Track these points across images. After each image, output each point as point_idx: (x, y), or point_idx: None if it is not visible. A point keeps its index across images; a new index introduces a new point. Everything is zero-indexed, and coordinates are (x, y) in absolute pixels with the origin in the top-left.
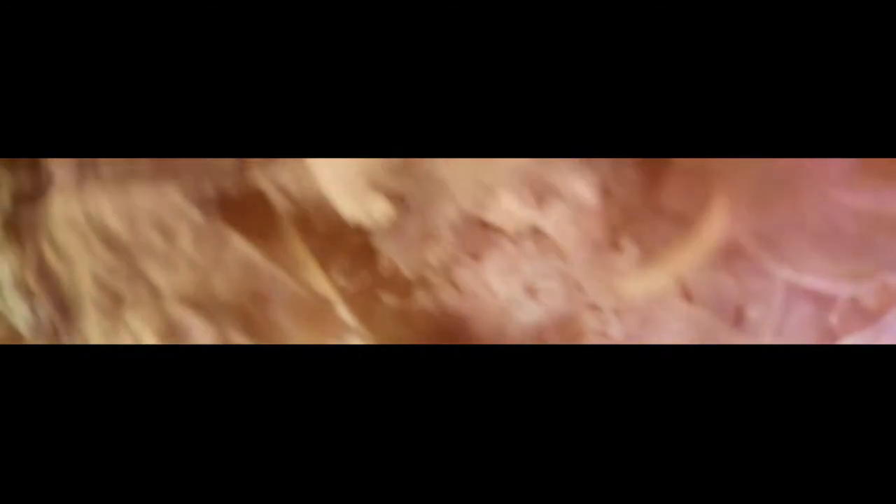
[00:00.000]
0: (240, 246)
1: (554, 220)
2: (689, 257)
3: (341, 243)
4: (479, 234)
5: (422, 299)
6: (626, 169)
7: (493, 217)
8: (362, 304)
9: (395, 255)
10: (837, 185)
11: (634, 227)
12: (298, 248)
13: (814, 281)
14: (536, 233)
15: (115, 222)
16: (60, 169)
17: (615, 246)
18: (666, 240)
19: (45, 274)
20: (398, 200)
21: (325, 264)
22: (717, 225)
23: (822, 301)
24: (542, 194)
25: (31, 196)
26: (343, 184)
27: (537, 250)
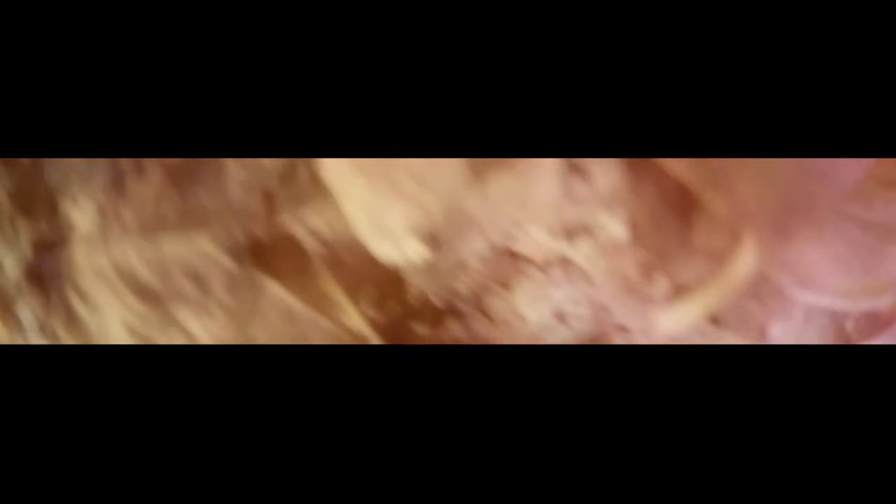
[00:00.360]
0: (276, 291)
1: (584, 254)
2: (719, 293)
3: (369, 275)
4: (508, 263)
5: (453, 328)
6: (657, 207)
7: (521, 247)
8: (395, 336)
9: (425, 287)
10: (850, 199)
11: (665, 263)
12: (332, 289)
13: (832, 301)
14: (565, 261)
15: (145, 272)
16: (82, 218)
17: (646, 281)
18: (697, 276)
19: (73, 322)
20: (431, 240)
21: (353, 296)
22: (746, 262)
23: (840, 313)
24: (572, 230)
25: (52, 244)
26: (376, 225)
27: (565, 277)
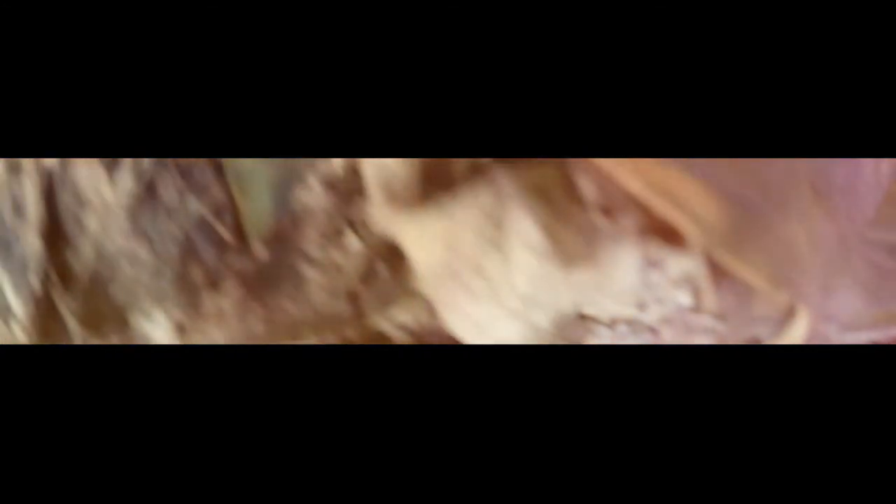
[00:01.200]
0: None
1: (651, 316)
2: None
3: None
4: (578, 324)
5: None
6: (725, 292)
7: (591, 311)
8: None
9: None
10: (874, 225)
11: (728, 326)
12: None
13: (868, 335)
14: (632, 321)
15: None
16: (158, 333)
17: (709, 338)
18: (757, 338)
19: None
20: (526, 326)
21: None
22: (799, 329)
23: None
24: (643, 304)
25: None
26: (476, 331)
27: (631, 330)
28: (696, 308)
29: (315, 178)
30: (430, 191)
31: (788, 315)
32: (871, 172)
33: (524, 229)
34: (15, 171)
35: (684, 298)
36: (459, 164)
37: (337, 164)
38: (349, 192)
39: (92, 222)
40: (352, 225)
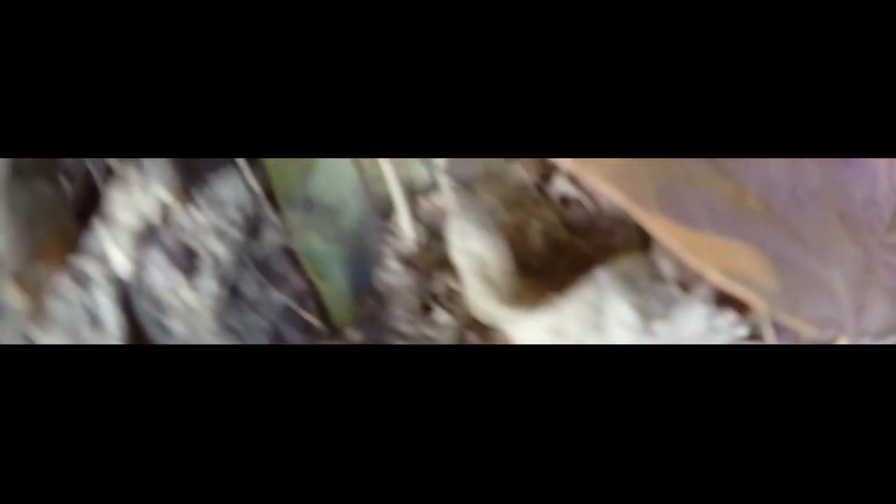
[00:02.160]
0: None
1: None
2: None
3: None
4: None
5: None
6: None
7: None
8: None
9: None
10: (889, 228)
11: None
12: None
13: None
14: None
15: None
16: None
17: None
18: None
19: None
20: None
21: None
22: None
23: None
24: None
25: None
26: None
27: None
28: (752, 338)
29: (391, 257)
30: (537, 288)
31: (832, 340)
32: (887, 179)
33: (620, 311)
34: (83, 284)
35: (742, 332)
36: (537, 241)
37: (410, 240)
38: (428, 266)
39: (177, 326)
40: (436, 299)
